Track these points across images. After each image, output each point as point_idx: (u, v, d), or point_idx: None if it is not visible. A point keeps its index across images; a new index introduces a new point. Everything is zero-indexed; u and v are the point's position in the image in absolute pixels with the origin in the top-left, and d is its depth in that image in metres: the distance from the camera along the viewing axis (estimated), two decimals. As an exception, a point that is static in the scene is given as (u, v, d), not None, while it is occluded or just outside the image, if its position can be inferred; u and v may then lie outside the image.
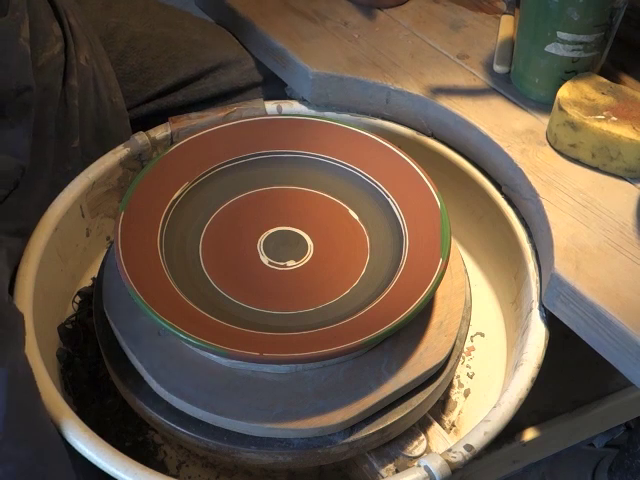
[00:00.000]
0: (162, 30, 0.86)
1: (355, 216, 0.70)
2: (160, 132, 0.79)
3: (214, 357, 0.60)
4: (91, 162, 0.75)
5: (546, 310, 0.64)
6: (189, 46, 0.87)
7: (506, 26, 0.85)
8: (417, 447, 0.61)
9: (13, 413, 0.48)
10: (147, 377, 0.60)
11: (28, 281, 0.65)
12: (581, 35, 0.72)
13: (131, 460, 0.54)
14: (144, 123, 0.82)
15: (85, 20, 0.79)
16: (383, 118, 0.82)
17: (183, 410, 0.59)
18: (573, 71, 0.74)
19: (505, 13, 0.88)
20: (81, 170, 0.74)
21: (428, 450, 0.61)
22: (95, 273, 0.75)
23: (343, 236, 0.68)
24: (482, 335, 0.76)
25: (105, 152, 0.76)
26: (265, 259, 0.66)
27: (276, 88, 0.89)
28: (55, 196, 0.71)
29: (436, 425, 0.64)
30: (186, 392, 0.58)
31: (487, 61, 0.82)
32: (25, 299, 0.63)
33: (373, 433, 0.59)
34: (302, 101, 0.84)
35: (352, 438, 0.58)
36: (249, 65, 0.89)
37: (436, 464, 0.54)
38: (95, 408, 0.67)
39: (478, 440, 0.56)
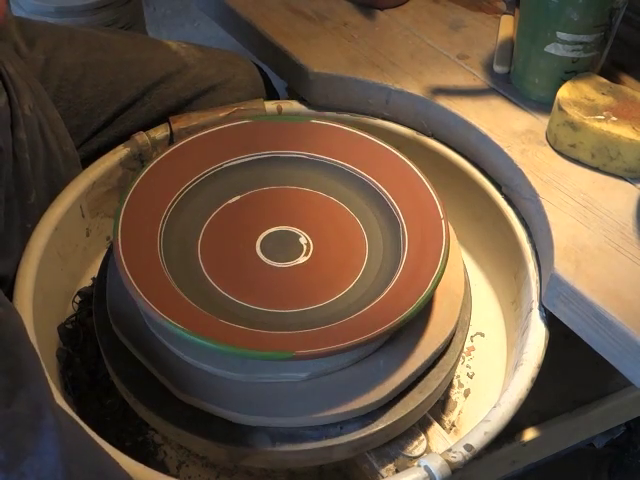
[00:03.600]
0: (94, 56, 0.81)
1: (354, 216, 0.70)
2: (160, 132, 0.79)
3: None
4: None
5: (546, 310, 0.64)
6: (126, 67, 0.82)
7: (506, 26, 0.85)
8: (417, 447, 0.61)
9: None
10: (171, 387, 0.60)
11: (28, 281, 0.65)
12: (581, 35, 0.72)
13: (131, 460, 0.54)
14: (95, 159, 0.77)
15: (24, 66, 0.74)
16: (383, 118, 0.82)
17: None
18: (573, 71, 0.74)
19: (505, 13, 0.88)
20: None
21: (428, 450, 0.61)
22: (95, 273, 0.75)
23: (342, 236, 0.68)
24: (482, 335, 0.76)
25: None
26: (264, 258, 0.66)
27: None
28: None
29: (436, 425, 0.64)
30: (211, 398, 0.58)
31: (487, 61, 0.82)
32: (25, 299, 0.63)
33: (373, 433, 0.59)
34: (302, 101, 0.84)
35: (352, 438, 0.58)
36: (192, 73, 0.84)
37: (436, 464, 0.54)
38: (95, 408, 0.67)
39: (478, 440, 0.56)
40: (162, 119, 0.82)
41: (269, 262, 0.66)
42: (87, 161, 0.78)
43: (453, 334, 0.65)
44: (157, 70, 0.83)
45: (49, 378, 0.57)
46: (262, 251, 0.67)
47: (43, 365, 0.51)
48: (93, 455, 0.49)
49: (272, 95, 0.90)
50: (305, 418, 0.58)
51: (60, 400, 0.57)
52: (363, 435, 0.58)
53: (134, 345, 0.61)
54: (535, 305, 0.65)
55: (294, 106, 0.83)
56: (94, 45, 0.82)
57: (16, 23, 0.80)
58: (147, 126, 0.81)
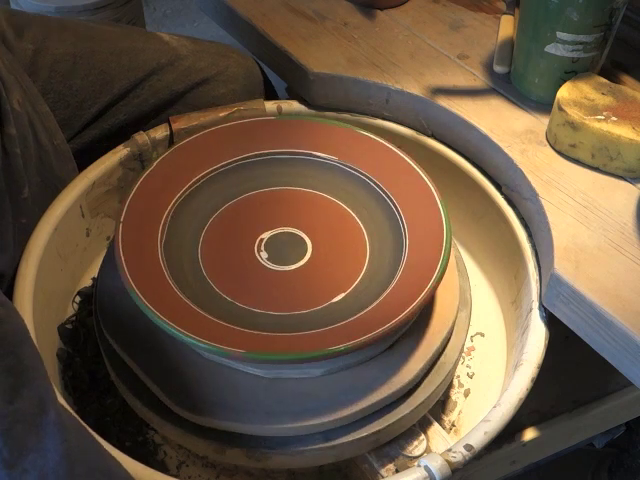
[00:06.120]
0: (85, 45, 0.80)
1: (355, 216, 0.70)
2: (160, 132, 0.79)
3: (215, 358, 0.60)
4: (40, 213, 0.70)
5: (546, 310, 0.64)
6: (117, 57, 0.81)
7: (506, 26, 0.85)
8: (417, 447, 0.61)
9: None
10: (171, 405, 0.59)
11: (28, 281, 0.65)
12: (581, 35, 0.72)
13: (131, 460, 0.54)
14: (90, 153, 0.77)
15: (12, 59, 0.73)
16: (383, 118, 0.82)
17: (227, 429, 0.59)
18: (573, 71, 0.74)
19: (505, 13, 0.88)
20: (35, 222, 0.69)
21: (428, 450, 0.61)
22: (95, 273, 0.75)
23: (343, 237, 0.68)
24: (482, 335, 0.76)
25: (53, 200, 0.72)
26: (266, 261, 0.66)
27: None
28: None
29: (436, 425, 0.64)
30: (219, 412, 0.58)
31: (487, 61, 0.82)
32: (25, 299, 0.63)
33: (373, 433, 0.59)
34: (302, 101, 0.84)
35: (352, 438, 0.58)
36: (184, 65, 0.83)
37: (436, 464, 0.54)
38: (95, 408, 0.67)
39: (478, 440, 0.56)
40: (155, 112, 0.82)
41: (271, 265, 0.66)
42: (80, 154, 0.77)
43: (451, 333, 0.65)
44: (149, 60, 0.82)
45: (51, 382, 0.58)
46: (264, 253, 0.66)
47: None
48: (96, 454, 0.49)
49: (268, 88, 0.90)
50: (314, 423, 0.58)
51: (60, 400, 0.57)
52: (363, 435, 0.58)
53: (139, 366, 0.61)
54: (535, 305, 0.65)
55: (294, 106, 0.83)
56: (84, 35, 0.81)
57: (5, 13, 0.79)
58: (140, 119, 0.81)
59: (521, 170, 0.70)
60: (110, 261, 0.66)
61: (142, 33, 0.86)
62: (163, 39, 0.85)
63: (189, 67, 0.84)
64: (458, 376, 0.72)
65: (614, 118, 0.69)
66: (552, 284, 0.62)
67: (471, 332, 0.75)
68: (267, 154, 0.73)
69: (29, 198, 0.69)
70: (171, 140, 0.79)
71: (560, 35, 0.72)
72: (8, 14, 0.79)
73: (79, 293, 0.76)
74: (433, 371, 0.63)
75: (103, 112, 0.81)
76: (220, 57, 0.86)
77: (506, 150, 0.72)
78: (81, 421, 0.51)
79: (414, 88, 0.78)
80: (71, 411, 0.55)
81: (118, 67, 0.81)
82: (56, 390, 0.56)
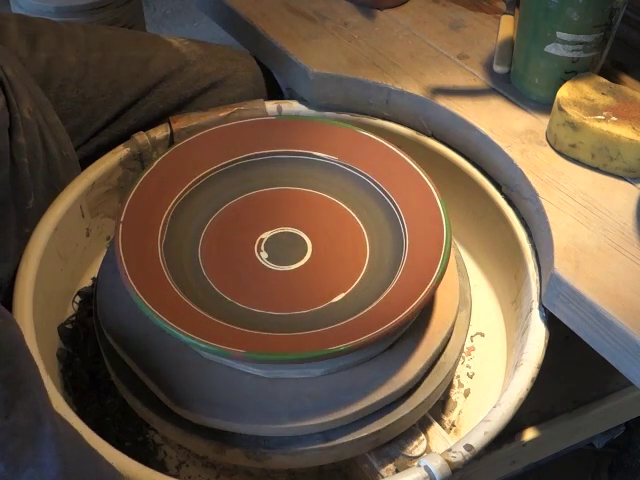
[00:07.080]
0: (96, 55, 0.80)
1: (355, 216, 0.70)
2: (160, 132, 0.79)
3: (217, 359, 0.60)
4: None
5: (546, 310, 0.64)
6: (127, 65, 0.81)
7: (506, 26, 0.85)
8: (417, 447, 0.61)
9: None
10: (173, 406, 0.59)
11: (28, 281, 0.65)
12: (581, 35, 0.72)
13: (131, 460, 0.54)
14: (95, 159, 0.77)
15: (22, 68, 0.74)
16: (383, 118, 0.82)
17: (225, 429, 0.58)
18: (573, 71, 0.74)
19: (505, 13, 0.88)
20: None
21: (428, 450, 0.61)
22: (95, 273, 0.75)
23: (343, 237, 0.68)
24: (482, 335, 0.76)
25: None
26: (264, 261, 0.66)
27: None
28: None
29: (436, 425, 0.64)
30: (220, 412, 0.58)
31: (487, 61, 0.82)
32: (25, 299, 0.63)
33: (373, 433, 0.59)
34: (302, 101, 0.84)
35: (352, 438, 0.58)
36: (193, 70, 0.84)
37: (436, 464, 0.54)
38: (95, 408, 0.67)
39: (478, 440, 0.56)
40: (163, 117, 0.82)
41: (271, 265, 0.66)
42: (86, 161, 0.77)
43: (451, 333, 0.65)
44: (159, 68, 0.83)
45: (51, 382, 0.58)
46: (264, 253, 0.66)
47: (42, 375, 0.50)
48: (92, 465, 0.48)
49: (275, 90, 0.90)
50: (314, 423, 0.58)
51: (60, 400, 0.57)
52: (363, 435, 0.58)
53: (139, 366, 0.61)
54: (535, 305, 0.65)
55: (294, 106, 0.83)
56: (95, 43, 0.82)
57: (16, 21, 0.80)
58: (148, 125, 0.81)
59: (521, 170, 0.70)
60: (110, 261, 0.66)
61: (152, 39, 0.87)
62: (172, 45, 0.86)
63: (197, 72, 0.84)
64: (458, 376, 0.72)
65: (614, 118, 0.69)
66: (552, 284, 0.62)
67: (471, 332, 0.75)
68: (267, 154, 0.73)
69: (34, 208, 0.69)
70: (171, 140, 0.79)
71: (560, 35, 0.72)
72: (20, 23, 0.80)
73: (79, 293, 0.76)
74: (433, 371, 0.63)
75: (113, 120, 0.81)
76: (229, 61, 0.86)
77: (506, 150, 0.72)
78: (75, 429, 0.51)
79: (414, 88, 0.78)
80: (70, 417, 0.55)
81: (128, 75, 0.81)
82: (55, 393, 0.56)
